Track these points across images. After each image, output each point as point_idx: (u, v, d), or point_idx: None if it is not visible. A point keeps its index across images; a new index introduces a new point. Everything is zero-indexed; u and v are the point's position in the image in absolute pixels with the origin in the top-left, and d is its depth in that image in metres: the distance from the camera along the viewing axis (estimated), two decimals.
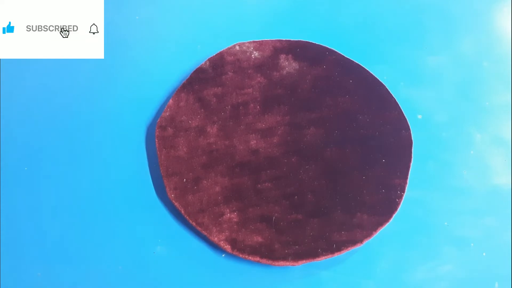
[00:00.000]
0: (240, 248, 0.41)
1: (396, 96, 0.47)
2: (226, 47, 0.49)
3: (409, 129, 0.44)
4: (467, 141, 0.47)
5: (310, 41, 0.49)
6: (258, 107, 0.46)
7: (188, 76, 0.47)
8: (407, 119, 0.45)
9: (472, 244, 0.43)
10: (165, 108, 0.46)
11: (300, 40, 0.49)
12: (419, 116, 0.47)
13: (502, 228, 0.43)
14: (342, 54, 0.48)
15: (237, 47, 0.49)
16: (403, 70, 0.49)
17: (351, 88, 0.47)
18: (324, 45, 0.48)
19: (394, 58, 0.50)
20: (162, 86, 0.48)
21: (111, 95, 0.47)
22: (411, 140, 0.44)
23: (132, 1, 0.51)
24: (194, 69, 0.48)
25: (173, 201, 0.42)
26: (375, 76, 0.47)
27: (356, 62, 0.48)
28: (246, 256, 0.41)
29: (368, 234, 0.41)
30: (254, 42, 0.49)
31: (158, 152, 0.44)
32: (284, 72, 0.48)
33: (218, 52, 0.48)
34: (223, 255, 0.42)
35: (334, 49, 0.48)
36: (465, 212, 0.44)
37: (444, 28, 0.49)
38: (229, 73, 0.48)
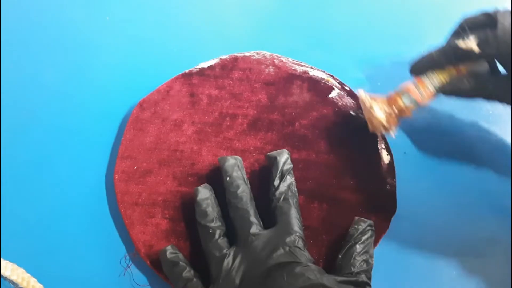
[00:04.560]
0: (152, 257, 0.37)
1: None
2: (244, 52, 0.45)
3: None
4: (469, 148, 0.43)
5: (335, 76, 0.44)
6: (245, 124, 0.42)
7: (193, 67, 0.44)
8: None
9: None
10: (154, 91, 0.43)
11: (325, 72, 0.44)
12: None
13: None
14: (341, 82, 0.44)
15: (256, 55, 0.45)
16: (398, 75, 0.42)
17: (353, 142, 0.41)
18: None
19: (387, 62, 0.46)
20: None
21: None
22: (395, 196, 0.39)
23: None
24: (203, 62, 0.44)
25: (115, 182, 0.40)
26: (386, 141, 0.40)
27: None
28: (152, 267, 0.37)
29: None
30: (276, 56, 0.45)
31: (126, 130, 0.41)
32: (291, 99, 0.43)
33: (234, 54, 0.45)
34: (132, 253, 0.38)
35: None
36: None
37: (444, 31, 0.41)
38: (234, 79, 0.44)
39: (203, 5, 0.50)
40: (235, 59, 0.44)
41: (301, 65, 0.44)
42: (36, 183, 0.41)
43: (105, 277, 0.37)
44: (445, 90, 0.38)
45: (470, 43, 0.35)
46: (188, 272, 0.34)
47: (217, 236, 0.34)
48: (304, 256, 0.33)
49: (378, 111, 0.38)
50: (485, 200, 0.41)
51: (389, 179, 0.40)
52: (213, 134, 0.41)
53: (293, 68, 0.44)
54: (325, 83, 0.43)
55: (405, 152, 0.42)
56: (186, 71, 0.44)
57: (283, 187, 0.36)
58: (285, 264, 0.32)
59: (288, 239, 0.33)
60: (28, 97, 0.44)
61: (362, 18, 0.50)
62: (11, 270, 0.34)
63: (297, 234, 0.34)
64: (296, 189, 0.37)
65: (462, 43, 0.36)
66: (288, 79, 0.43)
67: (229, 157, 0.37)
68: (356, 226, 0.36)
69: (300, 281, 0.31)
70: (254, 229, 0.34)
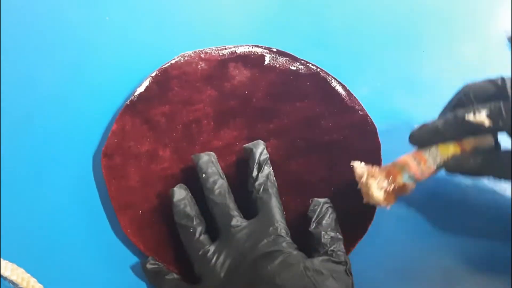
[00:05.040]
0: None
1: (391, 104, 0.44)
2: (169, 61, 0.45)
3: (376, 131, 0.42)
4: None
5: (260, 45, 0.46)
6: (212, 123, 0.43)
7: (130, 96, 0.43)
8: (373, 121, 0.42)
9: None
10: (109, 134, 0.41)
11: (248, 45, 0.46)
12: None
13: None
14: (295, 55, 0.46)
15: (181, 59, 0.45)
16: (399, 76, 0.45)
17: (310, 91, 0.44)
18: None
19: (388, 64, 0.46)
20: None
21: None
22: (379, 143, 0.42)
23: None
24: (135, 88, 0.43)
25: (130, 237, 0.38)
26: (334, 76, 0.45)
27: (311, 62, 0.45)
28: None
29: (347, 250, 0.37)
30: (199, 51, 0.45)
31: (107, 184, 0.39)
32: (235, 81, 0.45)
33: (160, 66, 0.44)
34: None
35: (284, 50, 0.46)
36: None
37: (443, 32, 0.46)
38: (176, 88, 0.44)
39: (202, 7, 0.50)
40: (165, 70, 0.44)
41: (226, 48, 0.46)
42: (36, 183, 0.40)
43: (105, 277, 0.37)
44: (449, 167, 0.35)
45: (481, 116, 0.33)
46: (171, 275, 0.35)
47: (197, 234, 0.35)
48: (288, 243, 0.34)
49: (376, 191, 0.35)
50: (485, 200, 0.41)
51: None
52: (190, 146, 0.42)
53: (220, 54, 0.46)
54: (255, 54, 0.46)
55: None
56: (128, 102, 0.42)
57: (261, 177, 0.36)
58: (269, 254, 0.32)
59: (270, 229, 0.34)
60: (28, 97, 0.44)
61: (362, 17, 0.50)
62: (11, 270, 0.34)
63: (279, 222, 0.34)
64: (274, 178, 0.38)
65: (472, 117, 0.33)
66: (222, 65, 0.45)
67: (202, 154, 0.38)
68: (313, 208, 0.36)
69: (286, 269, 0.32)
70: (235, 221, 0.35)
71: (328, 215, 0.36)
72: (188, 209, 0.36)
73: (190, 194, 0.37)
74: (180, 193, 0.37)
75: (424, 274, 0.38)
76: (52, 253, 0.38)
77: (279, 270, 0.31)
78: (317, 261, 0.33)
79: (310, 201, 0.37)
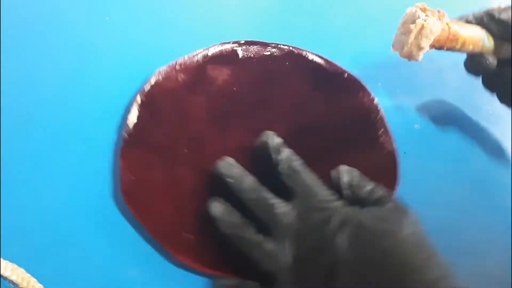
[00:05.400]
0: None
1: (390, 103, 0.45)
2: (147, 81, 0.43)
3: (365, 86, 0.44)
4: (469, 149, 0.44)
5: (227, 41, 0.46)
6: (214, 129, 0.42)
7: (124, 126, 0.41)
8: (356, 77, 0.44)
9: None
10: (121, 171, 0.39)
11: (216, 44, 0.46)
12: (416, 126, 0.46)
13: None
14: (263, 41, 0.47)
15: (160, 77, 0.43)
16: (399, 76, 0.46)
17: (292, 70, 0.46)
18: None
19: (388, 63, 0.47)
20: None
21: None
22: (373, 97, 0.44)
23: None
24: (119, 128, 0.41)
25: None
26: (307, 50, 0.46)
27: (280, 43, 0.46)
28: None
29: None
30: (173, 64, 0.44)
31: (141, 222, 0.38)
32: (220, 82, 0.44)
33: (141, 90, 0.42)
34: None
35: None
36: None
37: None
38: (166, 107, 0.42)
39: (202, 7, 0.49)
40: (149, 93, 0.42)
41: (197, 54, 0.45)
42: (36, 183, 0.39)
43: (105, 277, 0.38)
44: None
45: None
46: (251, 284, 0.35)
47: (252, 236, 0.35)
48: (337, 205, 0.34)
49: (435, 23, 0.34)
50: (485, 200, 0.42)
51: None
52: (203, 158, 0.41)
53: (194, 60, 0.45)
54: (226, 50, 0.46)
55: (405, 152, 0.43)
56: (125, 134, 0.40)
57: (282, 160, 0.37)
58: (322, 222, 0.33)
59: (314, 201, 0.34)
60: (28, 97, 0.42)
61: (362, 17, 0.49)
62: (11, 270, 0.34)
63: (319, 191, 0.35)
64: (295, 156, 0.38)
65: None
66: (200, 71, 0.44)
67: (219, 162, 0.38)
68: (335, 175, 0.37)
69: (341, 229, 0.32)
70: (279, 208, 0.35)
71: (353, 175, 0.37)
72: (233, 218, 0.36)
73: (227, 203, 0.37)
74: (217, 206, 0.36)
75: None
76: (52, 253, 0.37)
77: (337, 232, 0.32)
78: (368, 210, 0.34)
79: (331, 174, 0.37)
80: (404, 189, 0.41)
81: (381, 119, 0.44)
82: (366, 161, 0.42)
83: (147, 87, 0.43)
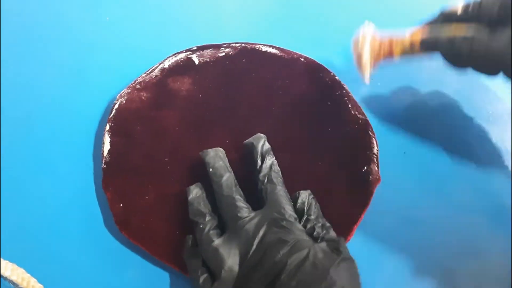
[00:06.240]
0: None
1: (389, 97, 0.44)
2: (112, 107, 0.42)
3: (324, 67, 0.44)
4: (469, 148, 0.43)
5: (179, 51, 0.46)
6: (194, 138, 0.41)
7: (101, 159, 0.40)
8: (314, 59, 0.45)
9: None
10: (109, 203, 0.39)
11: (170, 56, 0.45)
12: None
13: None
14: (214, 43, 0.46)
15: (123, 100, 0.42)
16: (399, 76, 0.46)
17: (251, 66, 0.45)
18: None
19: (388, 63, 0.44)
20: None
21: None
22: (334, 76, 0.44)
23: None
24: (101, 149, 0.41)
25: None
26: (258, 43, 0.46)
27: (231, 42, 0.46)
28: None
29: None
30: (132, 85, 0.43)
31: (145, 249, 0.37)
32: (184, 92, 0.43)
33: (108, 117, 0.42)
34: None
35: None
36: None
37: None
38: (138, 129, 0.41)
39: (202, 8, 0.50)
40: (116, 119, 0.42)
41: (153, 69, 0.45)
42: (36, 183, 0.41)
43: (105, 277, 0.37)
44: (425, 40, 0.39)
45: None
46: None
47: (207, 229, 0.35)
48: (297, 228, 0.34)
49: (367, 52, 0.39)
50: (485, 200, 0.41)
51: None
52: (190, 170, 0.40)
53: (152, 76, 0.44)
54: (181, 60, 0.45)
55: (405, 152, 0.43)
56: (103, 166, 0.40)
57: (265, 168, 0.37)
58: (278, 241, 0.33)
59: (278, 216, 0.34)
60: (27, 97, 0.44)
61: (362, 16, 0.46)
62: (11, 270, 0.33)
63: (286, 209, 0.35)
64: (278, 168, 0.38)
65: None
66: (161, 85, 0.44)
67: (209, 150, 0.38)
68: (301, 201, 0.36)
69: (294, 254, 0.32)
70: (243, 213, 0.35)
71: (314, 206, 0.36)
72: (201, 206, 0.36)
73: (205, 193, 0.37)
74: (195, 192, 0.37)
75: (420, 272, 0.38)
76: (52, 253, 0.38)
77: (288, 254, 0.32)
78: (323, 245, 0.33)
79: (296, 194, 0.37)
80: (404, 189, 0.41)
81: (347, 93, 0.44)
82: (342, 135, 0.42)
83: (112, 113, 0.42)
